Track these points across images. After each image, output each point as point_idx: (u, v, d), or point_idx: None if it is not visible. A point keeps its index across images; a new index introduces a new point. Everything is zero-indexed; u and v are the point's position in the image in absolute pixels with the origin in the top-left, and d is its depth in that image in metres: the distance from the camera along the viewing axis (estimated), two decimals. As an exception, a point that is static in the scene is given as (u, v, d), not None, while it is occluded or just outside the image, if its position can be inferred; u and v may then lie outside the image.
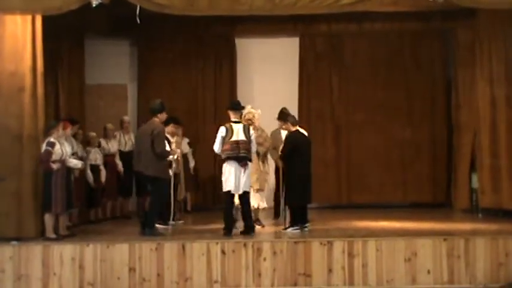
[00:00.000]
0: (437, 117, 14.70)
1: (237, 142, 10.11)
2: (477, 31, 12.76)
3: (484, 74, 12.51)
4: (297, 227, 10.50)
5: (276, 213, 11.96)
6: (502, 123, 12.04)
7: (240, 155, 10.10)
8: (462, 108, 13.74)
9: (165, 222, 11.07)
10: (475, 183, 13.11)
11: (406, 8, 12.08)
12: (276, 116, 11.50)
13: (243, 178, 10.13)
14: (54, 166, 9.74)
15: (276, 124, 11.60)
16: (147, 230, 10.09)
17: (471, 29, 13.12)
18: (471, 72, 13.17)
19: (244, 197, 10.25)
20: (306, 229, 10.54)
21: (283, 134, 11.43)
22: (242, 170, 10.13)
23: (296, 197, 10.57)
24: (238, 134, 10.14)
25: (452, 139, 14.34)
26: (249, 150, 10.19)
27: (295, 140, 10.66)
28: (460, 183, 13.74)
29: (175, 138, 11.69)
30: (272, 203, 12.09)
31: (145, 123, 10.56)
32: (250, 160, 10.26)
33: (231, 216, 10.27)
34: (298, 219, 10.58)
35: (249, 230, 10.14)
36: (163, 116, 10.52)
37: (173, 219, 11.44)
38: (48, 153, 9.72)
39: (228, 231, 10.05)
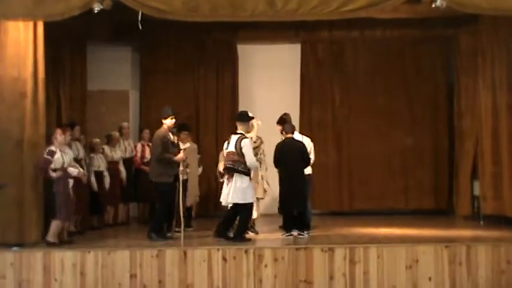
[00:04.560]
0: (439, 124, 14.68)
1: (227, 154, 10.37)
2: (479, 37, 12.74)
3: (486, 81, 12.50)
4: (289, 234, 10.59)
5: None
6: (504, 131, 12.01)
7: (226, 166, 10.32)
8: (464, 115, 13.72)
9: (169, 229, 10.90)
10: (477, 190, 13.09)
11: (407, 15, 12.07)
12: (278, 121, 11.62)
13: (226, 190, 10.31)
14: (54, 174, 9.73)
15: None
16: (152, 235, 10.23)
17: (473, 36, 13.09)
18: (473, 79, 13.16)
19: (235, 208, 10.37)
20: (303, 236, 10.60)
21: None
22: (227, 181, 10.32)
23: (285, 204, 10.74)
24: (230, 145, 10.33)
25: (454, 146, 14.33)
26: (235, 161, 10.24)
27: (279, 148, 10.89)
28: (461, 190, 13.71)
29: (186, 144, 11.73)
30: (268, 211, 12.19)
31: None
32: (238, 171, 10.23)
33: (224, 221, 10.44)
34: (292, 225, 10.73)
35: (234, 239, 10.20)
36: (172, 122, 10.67)
37: (177, 226, 11.31)
38: (47, 162, 9.72)
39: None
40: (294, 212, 10.80)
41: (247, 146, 10.26)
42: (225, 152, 10.50)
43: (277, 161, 10.82)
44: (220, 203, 10.69)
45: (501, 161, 12.08)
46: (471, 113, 13.40)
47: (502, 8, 9.82)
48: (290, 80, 14.63)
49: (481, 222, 12.60)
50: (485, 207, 12.54)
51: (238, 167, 10.20)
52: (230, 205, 10.45)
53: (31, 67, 9.96)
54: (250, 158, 10.26)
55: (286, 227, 10.80)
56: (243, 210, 10.32)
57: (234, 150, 10.25)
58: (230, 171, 10.26)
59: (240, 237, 10.15)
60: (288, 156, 10.74)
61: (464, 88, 13.72)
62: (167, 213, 10.65)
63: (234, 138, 10.34)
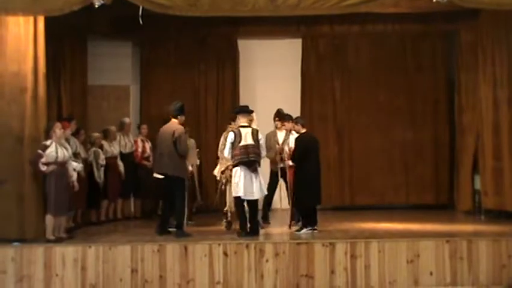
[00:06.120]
0: (439, 119, 14.67)
1: (246, 147, 10.16)
2: (480, 33, 12.72)
3: (486, 76, 12.49)
4: (310, 228, 10.53)
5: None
6: (505, 125, 12.00)
7: (250, 159, 10.15)
8: (465, 110, 13.70)
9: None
10: (478, 185, 13.09)
11: (408, 10, 12.06)
12: (274, 116, 11.73)
13: (256, 183, 10.20)
14: (44, 168, 9.68)
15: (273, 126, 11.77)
16: (179, 231, 10.16)
17: (474, 31, 13.08)
18: (474, 74, 13.13)
19: (254, 202, 10.32)
20: (316, 231, 10.57)
21: (280, 135, 11.52)
22: (253, 175, 10.18)
23: (307, 199, 10.62)
24: (247, 138, 10.20)
25: (455, 141, 14.32)
26: (258, 154, 10.24)
27: (306, 142, 10.70)
28: (462, 185, 13.71)
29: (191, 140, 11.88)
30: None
31: (165, 126, 10.60)
32: (259, 164, 10.31)
33: (245, 218, 10.29)
34: (310, 220, 10.64)
35: (254, 232, 10.17)
36: (182, 119, 10.64)
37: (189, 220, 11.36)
38: (38, 156, 9.66)
39: (243, 232, 10.11)
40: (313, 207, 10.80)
41: (262, 138, 10.45)
42: (238, 145, 10.19)
43: (302, 156, 10.61)
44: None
45: (502, 155, 12.07)
46: (472, 107, 13.38)
47: (502, 2, 9.81)
48: (291, 75, 14.60)
49: (482, 217, 12.60)
50: (486, 202, 12.54)
51: (259, 160, 10.32)
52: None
53: (31, 62, 9.95)
54: (264, 150, 10.50)
55: (310, 222, 10.63)
56: (257, 204, 10.41)
57: (253, 143, 10.22)
58: (255, 164, 10.21)
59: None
60: (312, 151, 10.71)
61: (465, 83, 13.70)
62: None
63: (246, 131, 10.25)
